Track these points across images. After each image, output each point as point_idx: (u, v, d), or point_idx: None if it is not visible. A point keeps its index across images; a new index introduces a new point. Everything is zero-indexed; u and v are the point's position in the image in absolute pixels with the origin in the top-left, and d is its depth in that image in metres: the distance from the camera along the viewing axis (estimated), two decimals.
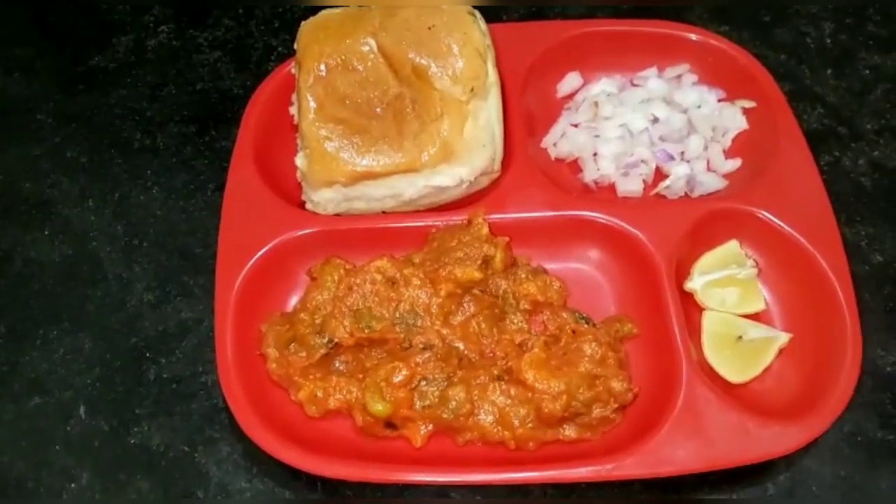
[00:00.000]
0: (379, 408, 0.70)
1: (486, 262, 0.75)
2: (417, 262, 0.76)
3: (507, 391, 0.71)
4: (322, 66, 0.76)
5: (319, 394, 0.72)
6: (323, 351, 0.73)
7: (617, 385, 0.70)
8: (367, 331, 0.72)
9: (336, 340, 0.72)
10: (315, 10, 0.82)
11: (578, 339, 0.72)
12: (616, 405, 0.70)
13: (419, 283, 0.74)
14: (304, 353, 0.73)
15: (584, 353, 0.71)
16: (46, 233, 0.85)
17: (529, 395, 0.70)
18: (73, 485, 0.72)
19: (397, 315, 0.73)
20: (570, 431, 0.70)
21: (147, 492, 0.72)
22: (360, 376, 0.73)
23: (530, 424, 0.70)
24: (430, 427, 0.71)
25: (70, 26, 0.99)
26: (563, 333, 0.73)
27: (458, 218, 0.78)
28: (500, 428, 0.70)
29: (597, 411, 0.70)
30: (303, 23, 0.80)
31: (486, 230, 0.76)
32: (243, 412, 0.69)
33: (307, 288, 0.77)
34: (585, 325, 0.74)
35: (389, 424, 0.71)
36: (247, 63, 0.95)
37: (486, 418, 0.70)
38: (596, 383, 0.70)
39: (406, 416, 0.71)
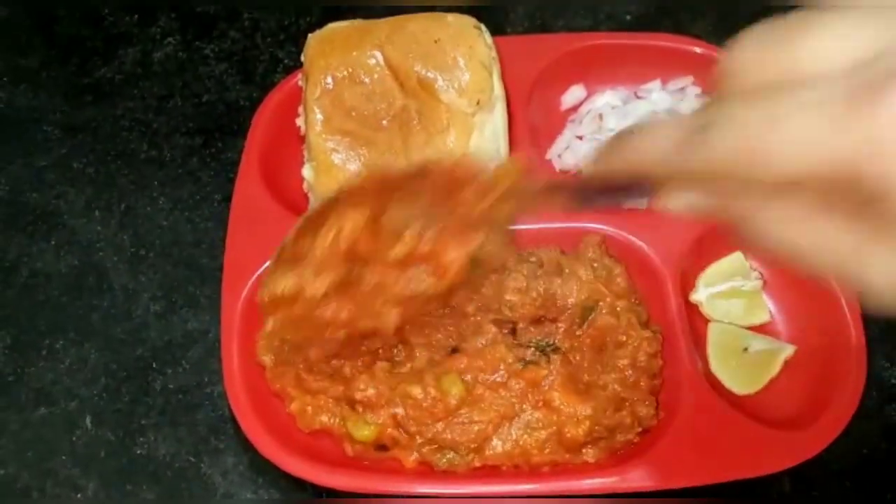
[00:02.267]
0: (365, 433, 0.69)
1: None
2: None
3: (528, 420, 0.68)
4: (329, 79, 0.77)
5: (309, 409, 0.71)
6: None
7: (643, 410, 0.68)
8: None
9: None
10: (322, 22, 0.83)
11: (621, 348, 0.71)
12: (640, 429, 0.69)
13: None
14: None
15: (616, 373, 0.70)
16: (52, 243, 0.85)
17: (554, 417, 0.68)
18: (79, 495, 0.72)
19: None
20: (589, 457, 0.68)
21: (153, 502, 0.72)
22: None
23: (548, 450, 0.68)
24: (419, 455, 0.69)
25: (76, 38, 1.00)
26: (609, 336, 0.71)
27: None
28: (513, 456, 0.68)
29: (620, 437, 0.68)
30: (310, 35, 0.81)
31: None
32: (249, 422, 0.69)
33: None
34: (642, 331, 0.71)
35: (380, 447, 0.70)
36: (253, 75, 0.96)
37: (497, 445, 0.68)
38: (623, 406, 0.68)
39: (394, 437, 0.69)
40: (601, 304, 0.72)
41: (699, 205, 0.38)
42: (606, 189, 0.46)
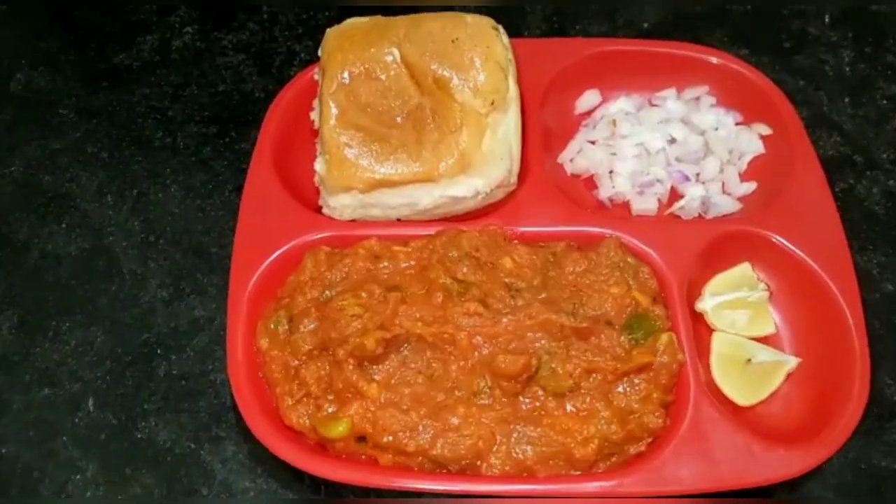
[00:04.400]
0: (340, 429, 0.68)
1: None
2: (412, 247, 0.76)
3: (528, 434, 0.67)
4: (345, 74, 0.77)
5: (289, 400, 0.70)
6: (284, 327, 0.72)
7: (651, 421, 0.68)
8: (324, 297, 0.72)
9: (293, 315, 0.72)
10: (340, 17, 0.83)
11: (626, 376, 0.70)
12: (650, 439, 0.68)
13: (404, 257, 0.74)
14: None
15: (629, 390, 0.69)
16: (63, 226, 0.86)
17: (558, 438, 0.67)
18: (78, 476, 0.73)
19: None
20: (599, 469, 0.68)
21: (151, 487, 0.72)
22: (330, 397, 0.70)
23: (551, 462, 0.67)
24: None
25: (95, 24, 1.01)
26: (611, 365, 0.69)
27: (468, 227, 0.78)
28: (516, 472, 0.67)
29: (632, 449, 0.68)
30: (328, 30, 0.81)
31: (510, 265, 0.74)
32: (251, 412, 0.69)
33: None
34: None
35: (360, 438, 0.69)
36: (269, 67, 0.96)
37: (496, 463, 0.67)
38: (630, 419, 0.68)
39: (369, 434, 0.68)
40: (656, 319, 0.72)
41: None
42: None
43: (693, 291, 0.76)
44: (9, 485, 0.72)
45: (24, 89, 0.95)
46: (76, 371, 0.78)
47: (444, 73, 0.77)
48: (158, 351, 0.79)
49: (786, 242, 0.77)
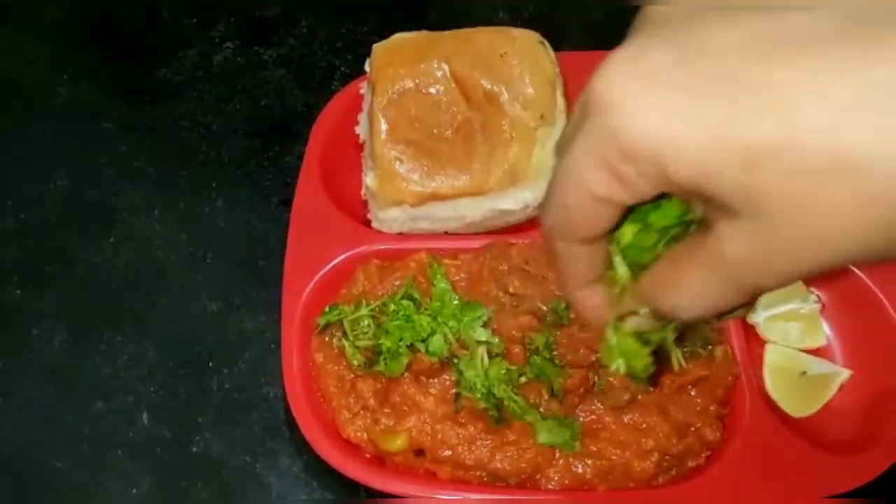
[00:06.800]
0: (398, 442, 0.68)
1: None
2: (461, 260, 0.76)
3: (587, 448, 0.67)
4: (396, 89, 0.78)
5: (346, 414, 0.71)
6: (339, 340, 0.72)
7: (709, 434, 0.68)
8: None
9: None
10: (378, 31, 0.84)
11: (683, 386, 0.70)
12: (708, 452, 0.69)
13: (454, 270, 0.74)
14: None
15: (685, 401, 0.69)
16: (111, 240, 0.86)
17: (617, 451, 0.67)
18: (134, 490, 0.73)
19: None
20: (657, 482, 0.68)
21: (208, 500, 0.72)
22: (387, 410, 0.70)
23: (610, 476, 0.67)
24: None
25: (136, 38, 1.01)
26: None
27: (516, 240, 0.78)
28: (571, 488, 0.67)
29: (691, 462, 0.68)
30: (375, 45, 0.82)
31: None
32: (309, 426, 0.70)
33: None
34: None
35: (419, 452, 0.69)
36: (310, 81, 0.97)
37: (555, 477, 0.68)
38: (688, 432, 0.68)
39: (428, 448, 0.68)
40: (711, 331, 0.72)
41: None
42: None
43: None
44: (64, 499, 0.73)
45: (67, 103, 0.96)
46: (129, 384, 0.78)
47: (494, 87, 0.77)
48: (210, 364, 0.79)
49: None
